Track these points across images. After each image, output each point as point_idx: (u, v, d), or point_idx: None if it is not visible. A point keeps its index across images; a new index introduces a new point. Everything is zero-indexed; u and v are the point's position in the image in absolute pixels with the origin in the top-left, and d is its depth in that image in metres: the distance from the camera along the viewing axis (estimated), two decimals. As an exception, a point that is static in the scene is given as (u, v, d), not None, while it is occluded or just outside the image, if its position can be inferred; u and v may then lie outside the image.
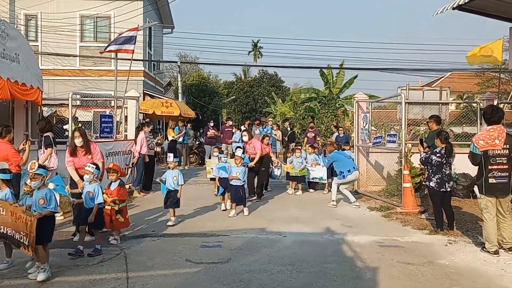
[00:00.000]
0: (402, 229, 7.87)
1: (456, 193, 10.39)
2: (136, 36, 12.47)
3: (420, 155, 8.09)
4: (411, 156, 10.25)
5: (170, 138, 15.42)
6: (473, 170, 10.32)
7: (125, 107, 12.15)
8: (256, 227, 7.82)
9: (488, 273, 5.52)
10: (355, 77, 24.69)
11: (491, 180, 6.14)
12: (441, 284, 5.18)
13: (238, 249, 6.49)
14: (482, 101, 12.12)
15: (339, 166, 10.11)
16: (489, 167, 6.14)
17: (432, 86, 26.76)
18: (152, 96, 21.53)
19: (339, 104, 22.94)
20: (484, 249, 6.29)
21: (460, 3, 8.38)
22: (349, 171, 9.93)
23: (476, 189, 6.39)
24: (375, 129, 15.49)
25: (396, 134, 11.06)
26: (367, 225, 8.19)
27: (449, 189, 7.55)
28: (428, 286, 5.13)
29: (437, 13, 8.80)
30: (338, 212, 9.37)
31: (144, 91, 20.96)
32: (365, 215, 9.11)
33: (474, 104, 12.58)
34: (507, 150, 6.13)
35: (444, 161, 7.50)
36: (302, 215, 9.01)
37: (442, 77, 36.97)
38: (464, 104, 22.58)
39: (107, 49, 12.57)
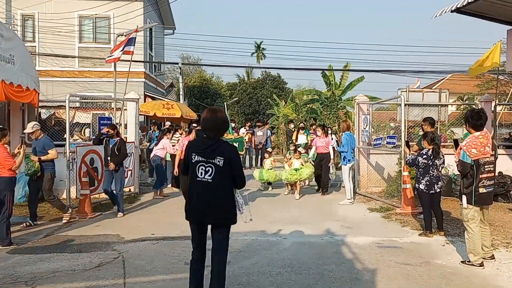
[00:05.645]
0: (401, 230, 7.90)
1: (454, 193, 10.40)
2: (135, 37, 12.36)
3: (406, 157, 8.05)
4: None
5: None
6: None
7: (124, 109, 12.10)
8: (256, 229, 7.74)
9: (484, 273, 5.55)
10: (362, 78, 24.38)
11: (481, 190, 5.68)
12: (437, 284, 5.21)
13: (237, 251, 6.49)
14: (480, 103, 12.16)
15: (348, 148, 10.47)
16: (480, 176, 5.67)
17: (433, 87, 26.79)
18: (153, 98, 21.49)
19: (341, 106, 22.87)
20: (468, 262, 5.83)
21: (458, 6, 8.41)
22: (353, 157, 10.66)
23: (464, 199, 5.80)
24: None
25: (395, 136, 11.10)
26: (366, 226, 8.22)
27: (438, 190, 7.46)
28: (424, 286, 5.15)
29: (436, 16, 8.82)
30: (338, 213, 9.40)
31: (145, 93, 20.86)
32: (365, 216, 9.15)
33: (474, 106, 12.61)
34: (493, 156, 5.93)
35: (431, 163, 7.34)
36: (303, 216, 9.04)
37: (443, 78, 36.96)
38: (465, 105, 22.59)
39: (112, 58, 12.20)
